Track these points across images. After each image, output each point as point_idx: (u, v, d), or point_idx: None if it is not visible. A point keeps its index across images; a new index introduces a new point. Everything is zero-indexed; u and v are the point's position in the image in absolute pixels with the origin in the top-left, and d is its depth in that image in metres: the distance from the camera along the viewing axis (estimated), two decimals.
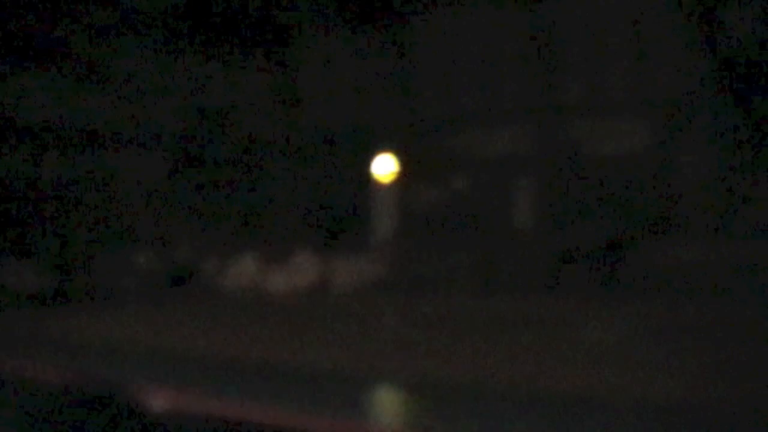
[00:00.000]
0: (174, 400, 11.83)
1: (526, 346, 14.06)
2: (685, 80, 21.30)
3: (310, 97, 27.29)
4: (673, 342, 13.59)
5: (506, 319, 16.46)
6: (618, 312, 15.78)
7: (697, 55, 21.16)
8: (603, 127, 22.30)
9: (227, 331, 17.61)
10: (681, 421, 9.82)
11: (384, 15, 25.22)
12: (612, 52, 22.71)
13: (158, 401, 11.90)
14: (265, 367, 14.14)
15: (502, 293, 19.42)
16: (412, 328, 16.56)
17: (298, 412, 10.66)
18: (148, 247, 26.58)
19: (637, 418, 10.00)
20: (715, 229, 19.92)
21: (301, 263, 23.40)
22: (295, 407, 10.94)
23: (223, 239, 26.26)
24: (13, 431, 9.97)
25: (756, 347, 12.70)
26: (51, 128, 28.10)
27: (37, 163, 28.07)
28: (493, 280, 20.08)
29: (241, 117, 28.10)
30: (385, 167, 24.55)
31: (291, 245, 24.30)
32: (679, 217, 20.60)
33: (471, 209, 23.61)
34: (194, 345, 16.18)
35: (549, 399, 10.97)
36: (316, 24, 26.32)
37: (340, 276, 22.68)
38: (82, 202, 28.32)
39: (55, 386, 13.60)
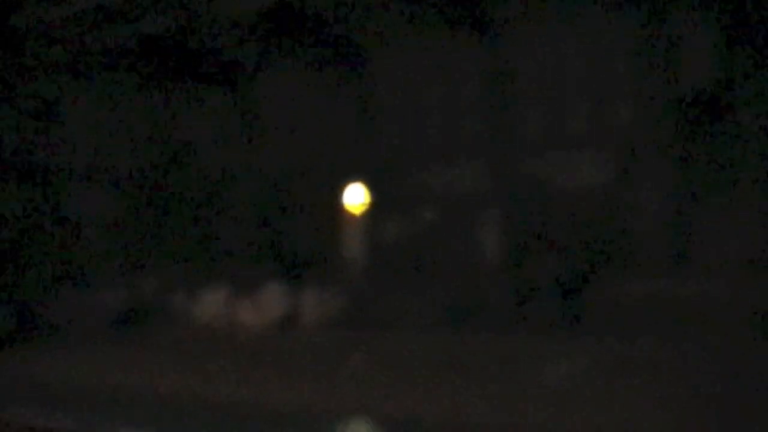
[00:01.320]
0: None
1: (491, 383, 14.23)
2: (644, 113, 21.69)
3: (274, 132, 27.40)
4: (637, 377, 13.81)
5: (471, 356, 16.61)
6: (582, 347, 16.00)
7: (655, 89, 21.56)
8: (563, 161, 22.62)
9: (195, 369, 17.60)
10: None
11: (344, 54, 25.46)
12: (570, 86, 23.08)
13: None
14: (234, 407, 14.20)
15: (466, 329, 19.58)
16: (379, 365, 16.67)
17: None
18: (112, 284, 26.45)
19: None
20: (675, 263, 20.24)
21: (269, 297, 23.42)
22: None
23: (189, 274, 26.20)
24: None
25: (718, 381, 12.95)
26: (9, 164, 27.99)
27: None
28: (458, 315, 20.23)
29: (206, 151, 28.12)
30: (352, 200, 24.70)
31: (258, 279, 24.30)
32: (640, 251, 20.89)
33: (435, 243, 23.79)
34: (162, 384, 16.18)
35: None
36: (278, 61, 26.50)
37: (307, 310, 22.73)
38: (42, 239, 28.18)
39: None
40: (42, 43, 27.13)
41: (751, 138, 19.90)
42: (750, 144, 19.88)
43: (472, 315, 20.01)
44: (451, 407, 12.95)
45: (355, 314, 21.87)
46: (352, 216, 24.62)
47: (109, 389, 16.46)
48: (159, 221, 28.20)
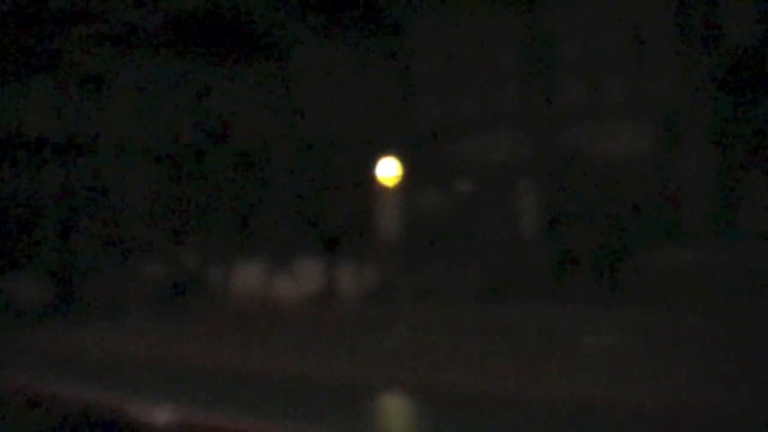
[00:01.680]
0: (179, 417, 11.89)
1: (530, 353, 14.15)
2: (685, 83, 21.36)
3: (310, 104, 27.38)
4: (675, 347, 13.66)
5: (510, 326, 16.54)
6: (620, 317, 15.87)
7: (696, 58, 21.22)
8: (603, 131, 22.37)
9: (233, 342, 17.67)
10: (683, 427, 9.89)
11: (380, 22, 25.31)
12: (611, 55, 22.78)
13: (164, 419, 11.97)
14: (272, 379, 14.21)
15: (504, 299, 19.50)
16: (417, 335, 16.63)
17: (306, 426, 10.76)
18: (151, 257, 26.62)
19: (640, 423, 10.08)
20: (714, 232, 19.97)
21: (306, 270, 23.47)
22: (302, 420, 11.02)
23: (227, 247, 26.34)
24: None
25: (757, 351, 12.76)
26: (50, 139, 28.19)
27: (37, 173, 28.15)
28: (496, 286, 20.14)
29: (242, 124, 28.20)
30: (388, 172, 24.60)
31: (295, 252, 24.36)
32: (680, 221, 20.64)
33: (472, 215, 23.67)
34: (200, 357, 16.24)
35: (552, 406, 11.05)
36: (313, 33, 26.42)
37: (344, 283, 22.75)
38: (83, 213, 28.40)
39: (57, 406, 13.65)
40: (84, 19, 27.22)
41: None
42: None
43: (511, 286, 19.90)
44: (489, 378, 12.87)
45: (393, 286, 21.84)
46: (389, 188, 24.53)
47: (148, 361, 16.55)
48: (199, 196, 28.33)
